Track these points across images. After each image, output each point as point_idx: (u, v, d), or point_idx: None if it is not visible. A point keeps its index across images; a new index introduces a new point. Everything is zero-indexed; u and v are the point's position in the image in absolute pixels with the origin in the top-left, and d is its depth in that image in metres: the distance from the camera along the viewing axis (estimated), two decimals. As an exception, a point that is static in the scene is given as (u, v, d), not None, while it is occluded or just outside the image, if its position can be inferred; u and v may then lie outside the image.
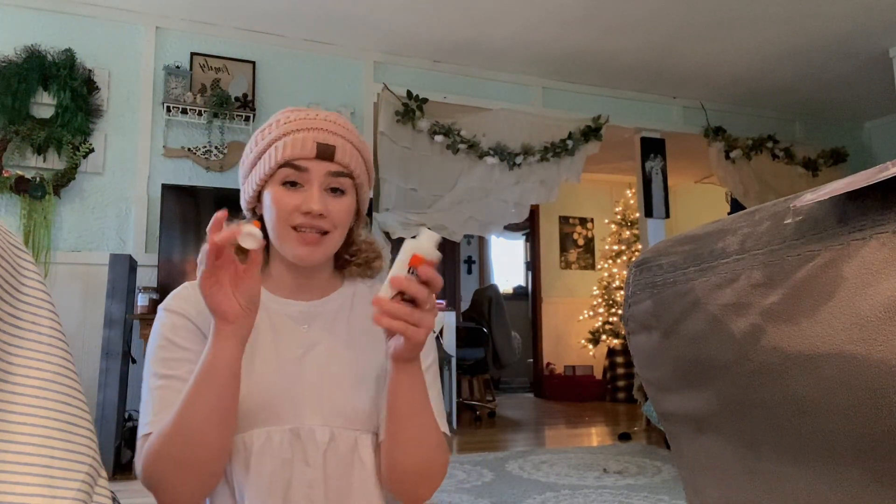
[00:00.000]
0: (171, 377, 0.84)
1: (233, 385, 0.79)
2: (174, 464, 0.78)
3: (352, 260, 1.01)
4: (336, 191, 0.90)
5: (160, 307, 0.90)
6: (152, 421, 0.82)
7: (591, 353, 6.44)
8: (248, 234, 0.74)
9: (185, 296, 0.91)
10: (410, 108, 4.04)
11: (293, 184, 0.88)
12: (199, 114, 3.60)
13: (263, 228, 0.92)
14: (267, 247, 0.94)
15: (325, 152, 0.88)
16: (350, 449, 0.88)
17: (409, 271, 0.76)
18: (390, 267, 0.78)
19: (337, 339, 0.94)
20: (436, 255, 0.77)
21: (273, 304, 0.94)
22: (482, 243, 8.31)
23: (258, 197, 0.92)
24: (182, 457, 0.77)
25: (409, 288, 0.76)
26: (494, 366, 5.29)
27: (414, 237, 0.78)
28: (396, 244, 4.50)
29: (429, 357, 0.95)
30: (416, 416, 0.85)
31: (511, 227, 6.66)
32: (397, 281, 0.75)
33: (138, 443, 0.83)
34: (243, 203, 0.96)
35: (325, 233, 0.89)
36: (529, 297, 7.07)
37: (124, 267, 3.05)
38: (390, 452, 0.87)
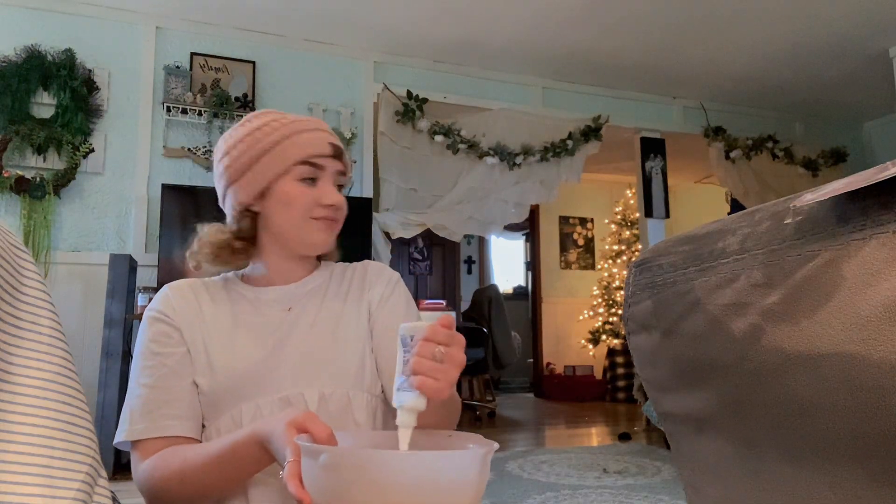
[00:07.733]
0: (150, 387, 0.88)
1: (249, 470, 0.80)
2: (176, 498, 0.82)
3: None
4: (339, 187, 0.98)
5: (146, 311, 0.94)
6: (130, 430, 0.86)
7: (591, 353, 6.44)
8: None
9: (164, 297, 0.95)
10: (410, 108, 4.03)
11: (311, 180, 0.93)
12: (199, 114, 3.60)
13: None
14: (255, 240, 0.97)
15: (337, 152, 0.96)
16: (343, 408, 0.89)
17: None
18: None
19: (315, 312, 0.97)
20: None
21: (250, 292, 0.98)
22: (482, 243, 8.30)
23: (262, 194, 0.93)
24: (184, 497, 0.82)
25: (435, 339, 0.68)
26: (494, 366, 5.28)
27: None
28: (396, 244, 4.50)
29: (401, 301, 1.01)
30: (444, 418, 0.85)
31: (511, 227, 6.65)
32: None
33: (133, 454, 0.87)
34: (234, 204, 0.95)
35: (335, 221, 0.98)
36: (529, 297, 7.07)
37: (124, 267, 3.05)
38: None
